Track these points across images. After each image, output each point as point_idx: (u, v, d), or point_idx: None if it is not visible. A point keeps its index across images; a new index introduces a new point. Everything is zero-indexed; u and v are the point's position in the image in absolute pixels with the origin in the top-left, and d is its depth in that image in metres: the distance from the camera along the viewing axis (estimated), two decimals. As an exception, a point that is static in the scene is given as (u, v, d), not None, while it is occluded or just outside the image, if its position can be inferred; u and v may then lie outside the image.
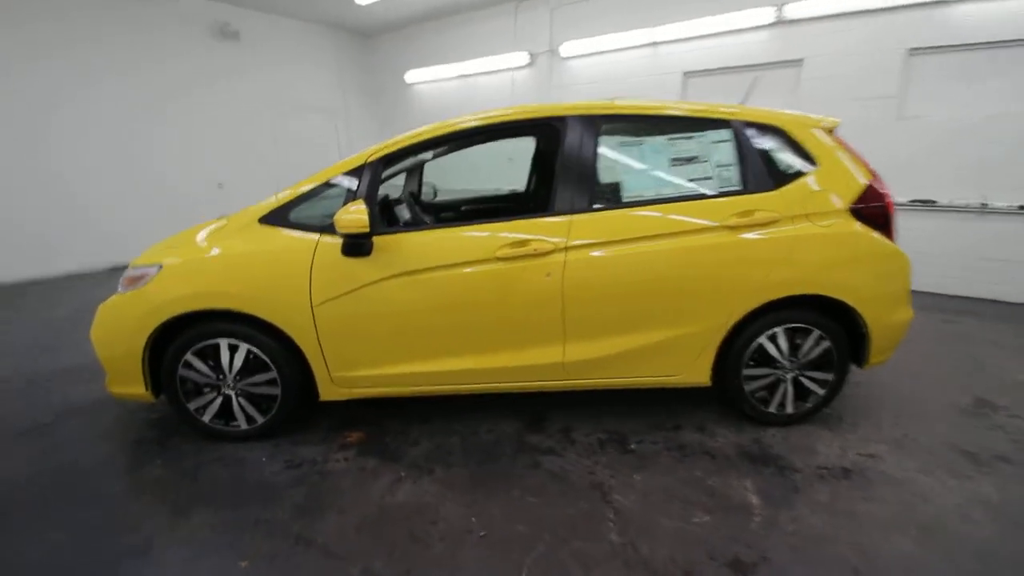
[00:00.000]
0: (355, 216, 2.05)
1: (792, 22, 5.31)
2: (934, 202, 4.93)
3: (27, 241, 5.89)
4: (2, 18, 5.53)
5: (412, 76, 8.55)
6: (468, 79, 8.01)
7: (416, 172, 3.67)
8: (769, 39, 5.47)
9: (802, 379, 2.49)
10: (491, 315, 2.29)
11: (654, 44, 6.13)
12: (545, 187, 3.57)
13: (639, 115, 2.38)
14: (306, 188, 2.31)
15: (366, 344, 2.31)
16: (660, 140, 2.37)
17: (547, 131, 3.51)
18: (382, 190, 2.58)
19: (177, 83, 6.89)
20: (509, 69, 7.44)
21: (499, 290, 2.25)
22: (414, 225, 2.62)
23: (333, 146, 8.80)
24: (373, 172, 2.29)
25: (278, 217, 2.28)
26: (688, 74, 6.07)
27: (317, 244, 2.23)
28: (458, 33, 7.94)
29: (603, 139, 2.33)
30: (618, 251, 2.25)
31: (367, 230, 2.07)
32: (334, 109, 8.76)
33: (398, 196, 3.19)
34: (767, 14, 5.34)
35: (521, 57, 7.16)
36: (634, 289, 2.28)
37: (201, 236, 2.38)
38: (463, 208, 3.80)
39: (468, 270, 2.23)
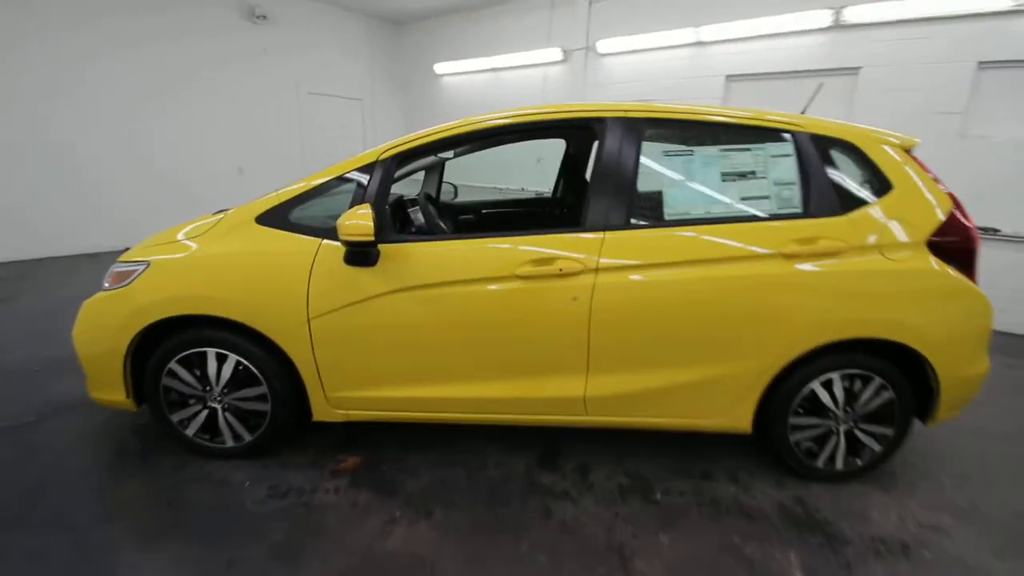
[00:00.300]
0: (359, 223, 1.81)
1: (851, 27, 4.91)
2: (997, 230, 4.50)
3: (40, 221, 5.82)
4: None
5: (441, 68, 8.32)
6: (498, 73, 7.74)
7: (436, 170, 3.43)
8: (823, 44, 5.08)
9: (857, 432, 2.18)
10: (506, 340, 2.03)
11: (697, 44, 5.78)
12: (574, 194, 3.30)
13: (688, 120, 2.09)
14: (308, 186, 2.08)
15: (366, 363, 2.07)
16: (711, 151, 2.08)
17: (581, 133, 3.24)
18: (397, 189, 2.35)
19: (202, 64, 6.76)
20: (541, 64, 7.15)
21: (517, 312, 2.00)
22: (427, 233, 2.37)
23: (358, 134, 8.63)
24: (385, 171, 2.04)
25: (276, 217, 2.05)
26: (731, 78, 5.70)
27: (318, 249, 1.99)
28: (490, 26, 7.67)
29: (646, 146, 2.05)
30: (656, 276, 1.96)
31: (371, 238, 1.83)
32: (361, 97, 8.57)
33: (414, 196, 2.95)
34: (824, 17, 4.95)
35: (554, 53, 6.86)
36: (672, 320, 1.99)
37: (193, 233, 2.16)
38: (484, 211, 3.54)
39: (483, 288, 1.97)
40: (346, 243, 1.88)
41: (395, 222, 2.37)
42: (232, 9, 6.93)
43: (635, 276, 1.97)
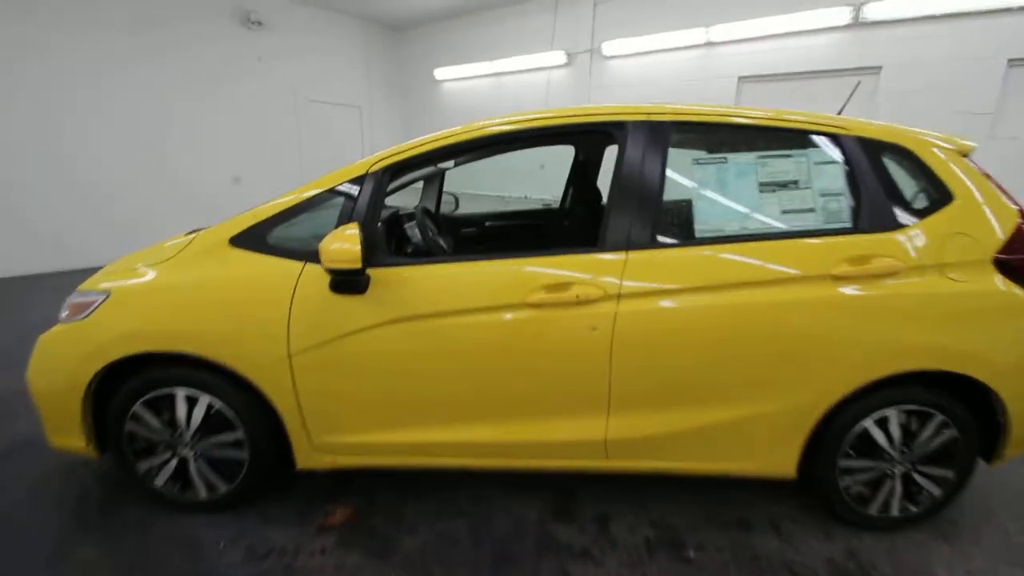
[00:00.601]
0: (344, 247, 1.56)
1: (871, 24, 4.67)
2: (1033, 236, 4.23)
3: (35, 234, 5.61)
4: (18, 7, 5.25)
5: (441, 73, 8.11)
6: (500, 78, 7.52)
7: (435, 180, 3.18)
8: (842, 42, 4.84)
9: (914, 475, 1.92)
10: (515, 376, 1.78)
11: (708, 45, 5.54)
12: (584, 205, 3.05)
13: (721, 123, 1.84)
14: (289, 203, 1.83)
15: (356, 404, 1.82)
16: (747, 158, 1.82)
17: (593, 139, 3.00)
18: (393, 201, 2.11)
19: (196, 72, 6.56)
20: (544, 68, 6.93)
21: (528, 345, 1.74)
22: (426, 253, 2.12)
23: (357, 142, 8.42)
24: (376, 185, 1.80)
25: (253, 238, 1.81)
26: (744, 79, 5.46)
27: (300, 275, 1.75)
28: (492, 30, 7.46)
29: (673, 153, 1.80)
30: (687, 302, 1.71)
31: (358, 265, 1.58)
32: (360, 104, 8.37)
33: (411, 209, 2.70)
34: (842, 15, 4.71)
35: (558, 56, 6.64)
36: (705, 352, 1.74)
37: (160, 258, 1.92)
38: (487, 224, 3.29)
39: (490, 318, 1.72)
40: (330, 271, 1.63)
41: (389, 241, 2.13)
42: (226, 16, 6.74)
43: (662, 303, 1.71)
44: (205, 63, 6.61)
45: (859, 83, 2.54)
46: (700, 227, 1.77)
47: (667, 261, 1.73)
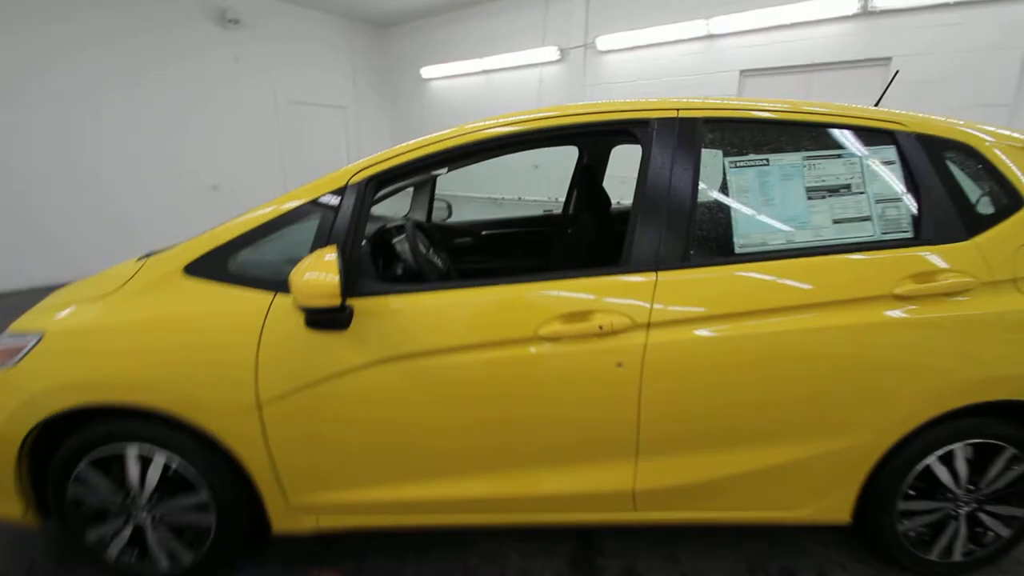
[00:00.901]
0: (319, 278, 1.28)
1: (880, 13, 4.45)
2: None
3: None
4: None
5: (429, 72, 7.81)
6: (490, 75, 7.24)
7: (426, 187, 2.92)
8: (850, 33, 4.62)
9: (981, 515, 1.68)
10: (527, 421, 1.51)
11: (708, 37, 5.30)
12: (591, 212, 2.78)
13: (762, 120, 1.58)
14: (253, 223, 1.55)
15: (340, 458, 1.54)
16: (792, 159, 1.57)
17: (610, 140, 2.75)
18: (380, 209, 1.85)
19: (169, 73, 6.21)
20: (536, 65, 6.66)
21: (542, 385, 1.48)
22: (417, 273, 1.84)
23: (342, 144, 8.10)
24: (358, 199, 1.52)
25: (212, 265, 1.52)
26: (746, 73, 5.23)
27: (270, 308, 1.47)
28: (480, 25, 7.17)
29: (706, 155, 1.54)
30: (727, 331, 1.46)
31: (337, 301, 1.31)
32: (344, 105, 8.04)
33: (400, 220, 2.43)
34: (849, 3, 4.49)
35: (550, 52, 6.38)
36: (750, 388, 1.49)
37: (103, 290, 1.62)
38: (484, 233, 3.03)
39: (497, 354, 1.46)
40: (303, 309, 1.36)
41: (376, 262, 1.85)
42: (200, 14, 6.39)
43: (699, 332, 1.46)
44: (177, 65, 6.26)
45: (897, 72, 2.31)
46: (740, 242, 1.51)
47: (703, 283, 1.48)
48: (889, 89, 2.28)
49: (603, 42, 5.91)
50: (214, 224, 1.61)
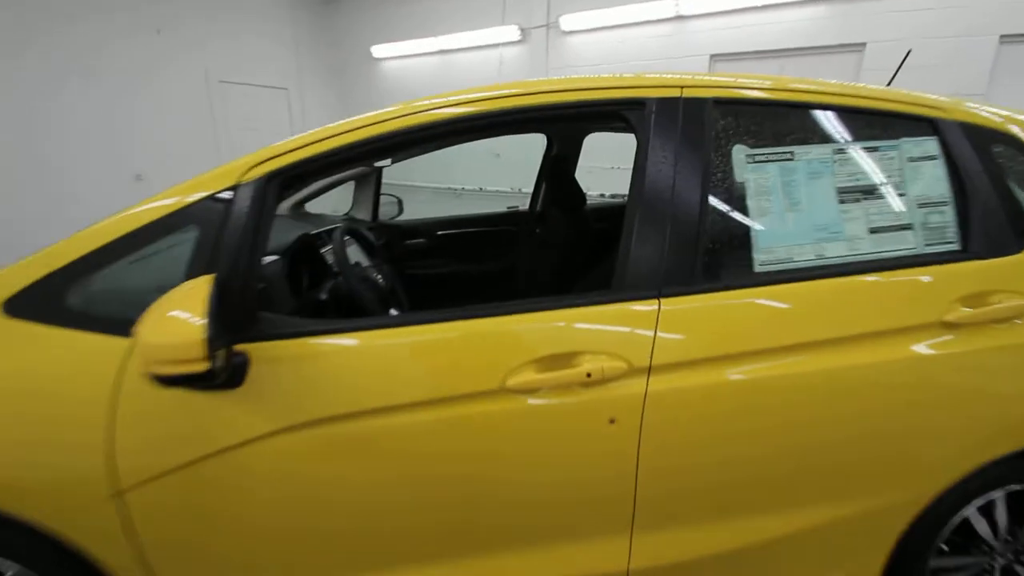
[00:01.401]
0: (173, 332, 0.86)
1: (854, -4, 4.27)
2: None
3: None
4: None
5: (380, 51, 7.25)
6: (447, 56, 6.76)
7: (369, 181, 2.49)
8: (824, 17, 4.42)
9: (1018, 568, 1.45)
10: (492, 498, 1.15)
11: (678, 19, 5.01)
12: (561, 210, 2.42)
13: (787, 102, 1.25)
14: (104, 237, 1.11)
15: (241, 557, 1.14)
16: (820, 152, 1.25)
17: (575, 126, 2.39)
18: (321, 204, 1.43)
19: (80, 50, 5.43)
20: (496, 45, 6.23)
21: (511, 453, 1.13)
22: (348, 304, 1.42)
23: (286, 130, 7.43)
24: (256, 203, 1.10)
25: (43, 300, 1.07)
26: (717, 57, 4.98)
27: (127, 358, 1.04)
28: (435, 2, 6.66)
29: (719, 146, 1.20)
30: (746, 373, 1.13)
31: (202, 365, 0.88)
32: (286, 86, 7.38)
33: (337, 221, 2.01)
34: (824, -16, 4.28)
35: (510, 32, 5.96)
36: (772, 443, 1.18)
37: None
38: (439, 234, 2.63)
39: (449, 414, 1.08)
40: (153, 377, 0.93)
41: (296, 283, 1.44)
42: (114, -20, 5.62)
43: (712, 375, 1.13)
44: (88, 38, 5.48)
45: (910, 52, 2.05)
46: (761, 257, 1.18)
47: (718, 312, 1.15)
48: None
49: (567, 22, 5.53)
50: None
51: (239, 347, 1.04)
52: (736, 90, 1.23)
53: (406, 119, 1.17)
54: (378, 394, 1.08)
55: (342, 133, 1.15)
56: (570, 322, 1.12)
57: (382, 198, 2.70)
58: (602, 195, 4.98)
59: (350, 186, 2.58)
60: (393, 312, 1.58)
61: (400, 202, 2.82)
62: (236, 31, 6.70)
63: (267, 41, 7.08)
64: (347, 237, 1.62)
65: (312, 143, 1.14)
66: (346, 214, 2.65)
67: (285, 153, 1.13)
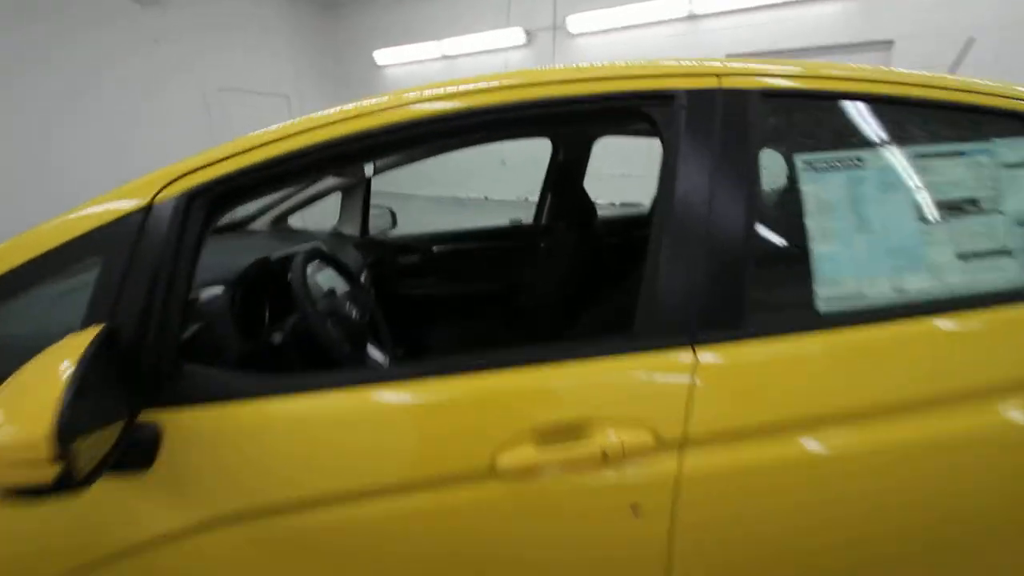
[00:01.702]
0: (9, 420, 0.61)
1: (882, -10, 4.00)
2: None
3: None
4: None
5: (383, 57, 7.08)
6: (451, 61, 6.57)
7: (356, 192, 2.27)
8: (848, 13, 4.16)
9: None
10: None
11: (690, 18, 4.77)
12: (568, 223, 2.17)
13: (855, 94, 0.98)
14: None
15: None
16: (895, 157, 0.99)
17: (583, 129, 2.14)
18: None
19: (77, 61, 5.30)
20: (501, 50, 6.03)
21: (502, 553, 0.87)
22: (311, 350, 1.17)
23: (288, 140, 7.27)
24: (174, 226, 0.85)
25: None
26: (732, 57, 4.71)
27: None
28: (439, 4, 6.48)
29: (768, 149, 0.95)
30: (807, 447, 0.87)
31: (46, 471, 0.60)
32: (287, 93, 7.23)
33: (309, 242, 1.77)
34: (849, -22, 4.02)
35: (515, 35, 5.76)
36: (844, 538, 0.91)
37: None
38: (435, 250, 2.39)
39: (423, 503, 0.83)
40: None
41: (252, 315, 1.20)
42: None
43: (766, 451, 0.87)
44: (87, 48, 5.35)
45: (972, 41, 1.78)
46: (826, 292, 0.92)
47: (772, 365, 0.88)
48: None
49: (574, 23, 5.31)
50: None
51: (149, 415, 0.80)
52: (789, 79, 0.97)
53: (369, 118, 0.92)
54: (329, 477, 0.83)
55: (284, 138, 0.91)
56: (577, 378, 0.86)
57: (373, 210, 2.47)
58: (612, 204, 4.73)
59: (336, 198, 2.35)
60: (373, 352, 1.33)
61: (393, 214, 2.58)
62: (234, 39, 6.57)
63: (267, 48, 6.94)
64: (316, 262, 1.37)
65: (248, 150, 0.90)
66: (334, 228, 2.42)
67: (213, 164, 0.89)
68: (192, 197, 0.86)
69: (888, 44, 4.08)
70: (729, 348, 0.87)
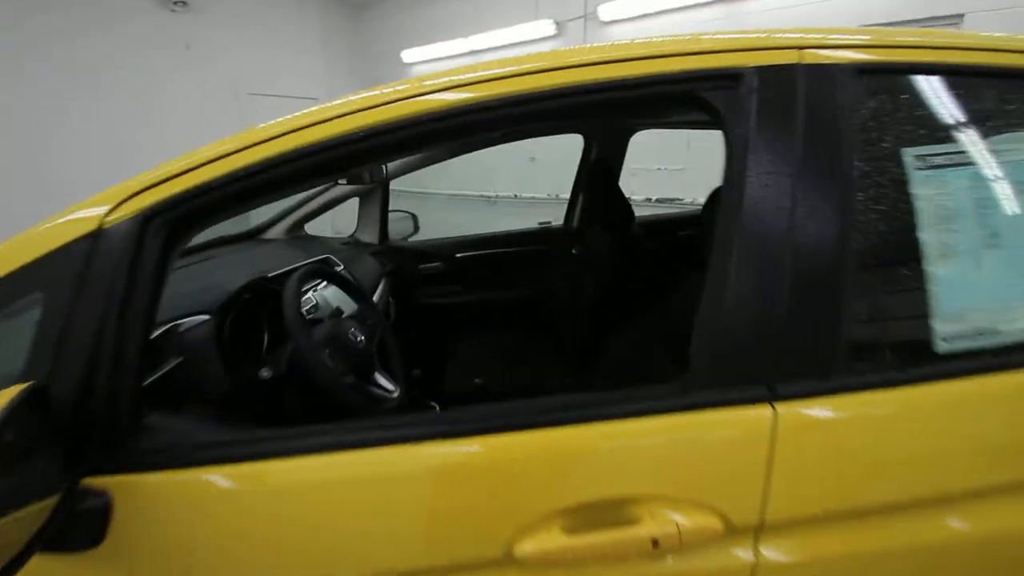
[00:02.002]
0: None
1: (952, -42, 3.60)
2: None
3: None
4: None
5: (410, 55, 6.98)
6: (478, 56, 6.40)
7: (374, 197, 2.13)
8: (912, -15, 3.78)
9: None
10: None
11: (733, 0, 4.45)
12: (603, 224, 1.97)
13: (979, 68, 0.75)
14: None
15: None
16: (1034, 148, 0.76)
17: (650, 116, 1.93)
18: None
19: (107, 67, 5.39)
20: (530, 42, 5.82)
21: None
22: (307, 392, 1.00)
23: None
24: (127, 253, 0.70)
25: None
26: (779, 41, 4.37)
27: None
28: (467, 1, 6.33)
29: (868, 142, 0.73)
30: (926, 534, 0.66)
31: None
32: (316, 96, 7.22)
33: (325, 258, 1.62)
34: (913, -53, 3.64)
35: (545, 27, 5.54)
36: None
37: None
38: (458, 256, 2.23)
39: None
40: None
41: (245, 344, 1.06)
42: (143, -4, 5.57)
43: (870, 540, 0.66)
44: (117, 55, 5.44)
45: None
46: (948, 329, 0.70)
47: (876, 426, 0.67)
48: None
49: (606, 11, 5.05)
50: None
51: (98, 482, 0.66)
52: (894, 51, 0.75)
53: (365, 115, 0.76)
54: (308, 563, 0.67)
55: (260, 144, 0.76)
56: (617, 442, 0.67)
57: (394, 215, 2.33)
58: (648, 200, 4.47)
59: (353, 204, 2.22)
60: (382, 382, 1.17)
61: (415, 219, 2.43)
62: (264, 43, 6.58)
63: (296, 51, 6.94)
64: (320, 282, 1.22)
65: (217, 159, 0.75)
66: (352, 235, 2.29)
67: (174, 177, 0.74)
68: (148, 218, 0.72)
69: (957, 18, 3.67)
70: (820, 403, 0.67)
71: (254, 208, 0.83)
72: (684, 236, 2.11)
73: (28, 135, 4.99)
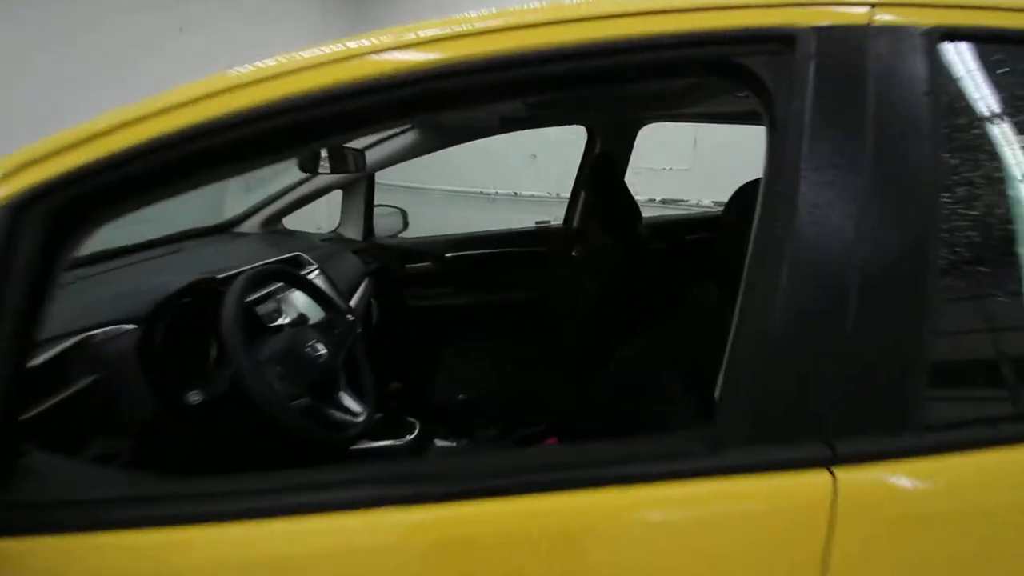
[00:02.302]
0: None
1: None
2: None
3: None
4: None
5: (411, 46, 6.82)
6: (480, 49, 6.24)
7: (358, 190, 1.97)
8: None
9: None
10: None
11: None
12: (606, 224, 1.80)
13: None
14: None
15: None
16: None
17: (624, 114, 1.77)
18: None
19: (95, 51, 5.19)
20: (534, 35, 5.66)
21: None
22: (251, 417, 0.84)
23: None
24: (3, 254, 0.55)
25: None
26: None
27: None
28: (468, -10, 6.16)
29: (958, 124, 0.56)
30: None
31: None
32: (314, 87, 7.06)
33: (295, 256, 1.46)
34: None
35: (550, 18, 5.37)
36: None
37: None
38: (448, 256, 2.06)
39: None
40: None
41: (173, 367, 0.89)
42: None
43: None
44: (107, 38, 5.26)
45: None
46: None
47: (963, 498, 0.51)
48: None
49: (614, 4, 4.89)
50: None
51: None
52: (993, 13, 0.58)
53: (306, 75, 0.59)
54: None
55: (181, 107, 0.59)
56: (628, 515, 0.51)
57: (381, 210, 2.17)
58: (652, 200, 4.31)
59: (335, 197, 2.05)
60: (347, 402, 1.01)
61: (404, 214, 2.27)
62: (262, 30, 6.39)
63: (297, 36, 6.72)
64: (280, 285, 1.06)
65: (124, 126, 0.59)
66: (334, 231, 2.13)
67: (63, 151, 0.57)
68: (21, 207, 0.55)
69: None
70: (892, 467, 0.50)
71: (185, 192, 0.65)
72: (695, 240, 1.96)
73: (21, 133, 4.82)
